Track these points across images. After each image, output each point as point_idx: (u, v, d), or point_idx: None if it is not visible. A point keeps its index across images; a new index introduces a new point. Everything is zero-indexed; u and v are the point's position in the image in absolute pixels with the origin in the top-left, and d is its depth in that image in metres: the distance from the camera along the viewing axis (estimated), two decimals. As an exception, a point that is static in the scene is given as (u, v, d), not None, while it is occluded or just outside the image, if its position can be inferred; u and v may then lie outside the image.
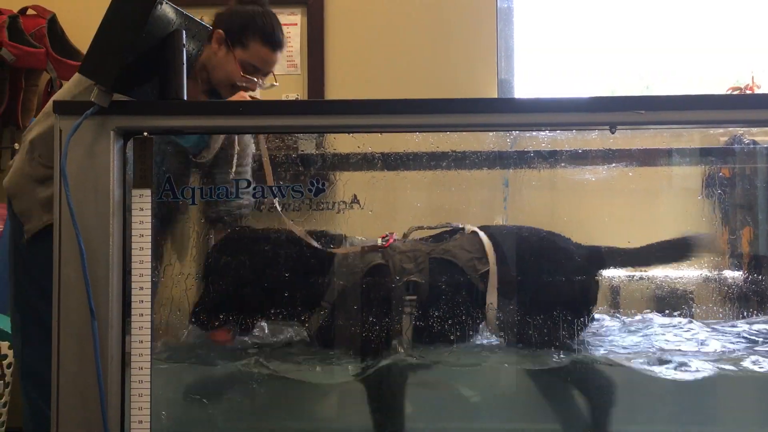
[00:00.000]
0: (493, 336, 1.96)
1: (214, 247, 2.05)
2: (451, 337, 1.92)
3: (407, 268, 1.94)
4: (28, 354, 2.12)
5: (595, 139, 2.09)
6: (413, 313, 1.89)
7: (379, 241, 1.98)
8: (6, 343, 2.93)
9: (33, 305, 2.04)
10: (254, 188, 1.67)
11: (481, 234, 1.98)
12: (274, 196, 1.66)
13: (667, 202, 2.26)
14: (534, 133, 1.96)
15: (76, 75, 2.15)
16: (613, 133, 1.53)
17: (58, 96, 2.14)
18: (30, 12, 3.41)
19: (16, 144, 3.35)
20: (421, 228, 2.04)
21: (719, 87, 3.43)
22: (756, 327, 2.09)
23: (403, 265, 1.94)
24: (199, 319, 1.95)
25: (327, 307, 1.93)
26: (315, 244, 1.94)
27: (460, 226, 2.02)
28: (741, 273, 2.19)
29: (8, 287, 2.17)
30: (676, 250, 2.08)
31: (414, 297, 1.90)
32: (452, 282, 1.93)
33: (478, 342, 1.97)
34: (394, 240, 2.00)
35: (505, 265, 1.93)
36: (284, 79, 3.59)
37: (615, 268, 2.05)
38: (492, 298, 1.90)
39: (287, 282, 1.94)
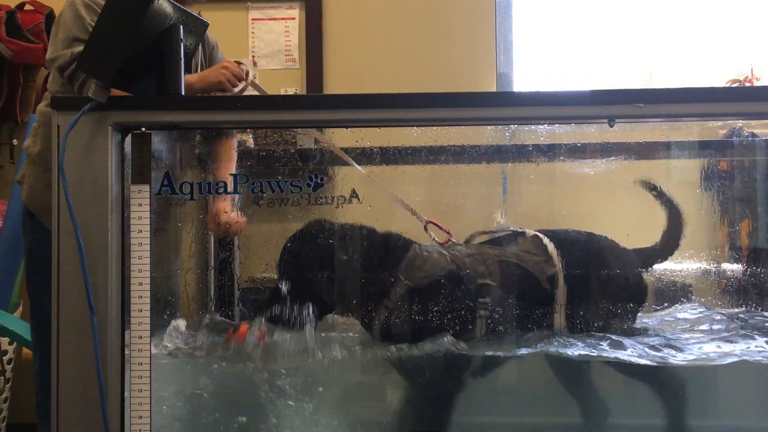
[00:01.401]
0: (563, 335, 2.00)
1: (290, 241, 2.04)
2: (523, 340, 1.96)
3: (479, 271, 1.98)
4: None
5: (593, 133, 2.09)
6: (486, 317, 1.94)
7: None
8: (6, 339, 2.94)
9: None
10: (253, 183, 1.67)
11: (543, 237, 2.03)
12: (273, 191, 1.65)
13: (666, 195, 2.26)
14: (533, 127, 1.95)
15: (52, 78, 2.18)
16: (611, 126, 1.52)
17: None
18: (27, 7, 3.41)
19: (14, 140, 3.36)
20: (483, 233, 2.10)
21: (719, 79, 3.43)
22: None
23: (475, 268, 1.98)
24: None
25: (390, 307, 1.94)
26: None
27: (520, 230, 2.07)
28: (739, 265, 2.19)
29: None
30: None
31: (487, 300, 1.95)
32: (523, 285, 1.98)
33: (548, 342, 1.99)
34: (453, 243, 2.06)
35: (568, 267, 1.99)
36: (282, 73, 3.59)
37: (653, 265, 2.13)
38: (561, 299, 1.96)
39: (356, 279, 1.99)
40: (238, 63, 2.30)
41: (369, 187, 2.00)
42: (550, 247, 2.00)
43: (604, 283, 2.02)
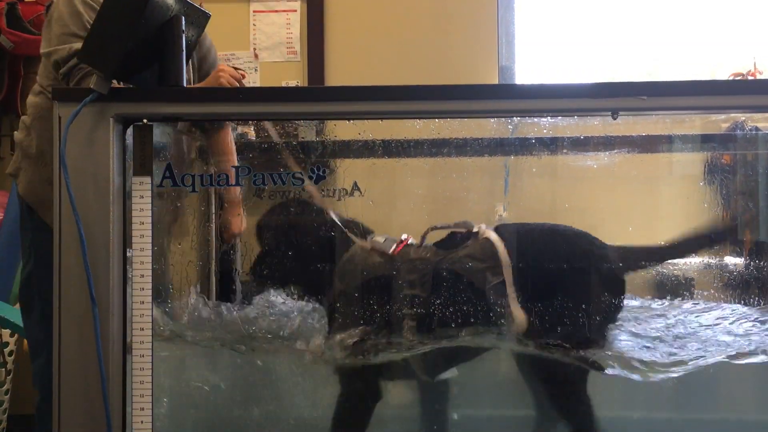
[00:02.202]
0: (512, 344, 1.89)
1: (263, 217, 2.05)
2: (456, 349, 1.90)
3: (410, 279, 1.86)
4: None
5: (596, 126, 2.08)
6: (412, 326, 1.84)
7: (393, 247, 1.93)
8: (7, 331, 2.94)
9: None
10: (255, 175, 1.66)
11: (495, 239, 1.86)
12: (275, 183, 1.65)
13: (669, 188, 2.26)
14: (536, 120, 1.95)
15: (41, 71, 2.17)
16: (615, 119, 1.52)
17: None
18: (28, -1, 3.40)
19: (15, 132, 3.34)
20: (435, 228, 1.94)
21: (722, 73, 3.41)
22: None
23: (408, 277, 1.86)
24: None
25: (327, 303, 1.93)
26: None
27: (475, 229, 1.91)
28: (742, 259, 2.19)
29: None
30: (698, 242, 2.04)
31: (414, 311, 1.84)
32: (461, 296, 1.85)
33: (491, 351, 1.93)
34: (409, 243, 1.94)
35: (522, 269, 1.83)
36: (284, 66, 3.58)
37: (649, 265, 1.99)
38: (512, 305, 1.81)
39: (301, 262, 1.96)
40: (236, 68, 2.28)
41: (371, 180, 2.00)
42: (501, 250, 1.83)
43: (570, 289, 1.85)
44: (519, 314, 1.81)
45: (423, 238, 1.97)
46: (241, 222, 2.14)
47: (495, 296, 1.82)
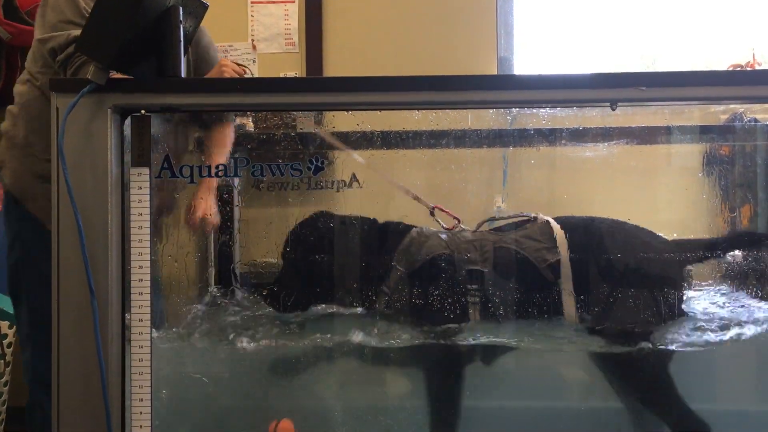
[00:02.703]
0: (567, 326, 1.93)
1: (296, 228, 2.06)
2: (513, 327, 1.93)
3: (471, 257, 1.92)
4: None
5: (594, 117, 2.08)
6: (477, 303, 1.90)
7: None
8: (6, 323, 2.94)
9: None
10: (253, 166, 1.66)
11: (553, 223, 1.95)
12: (273, 174, 1.65)
13: (667, 179, 2.26)
14: (535, 111, 1.94)
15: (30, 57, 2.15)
16: (614, 110, 1.51)
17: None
18: (25, -10, 3.38)
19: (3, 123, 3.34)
20: (494, 219, 2.03)
21: (720, 65, 3.41)
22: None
23: (468, 255, 1.92)
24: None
25: (387, 294, 1.93)
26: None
27: (533, 216, 2.00)
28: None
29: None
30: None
31: (476, 286, 1.90)
32: (519, 272, 1.91)
33: (549, 332, 1.94)
34: (461, 229, 2.00)
35: (580, 255, 1.89)
36: (282, 57, 3.57)
37: (697, 260, 2.02)
38: (566, 287, 1.87)
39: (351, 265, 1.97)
40: (238, 64, 2.26)
41: (370, 172, 1.99)
42: (559, 234, 1.92)
43: (627, 276, 1.91)
44: (570, 303, 1.87)
45: (479, 226, 2.04)
46: (209, 208, 2.09)
47: (551, 277, 1.88)
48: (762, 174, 2.25)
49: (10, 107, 2.23)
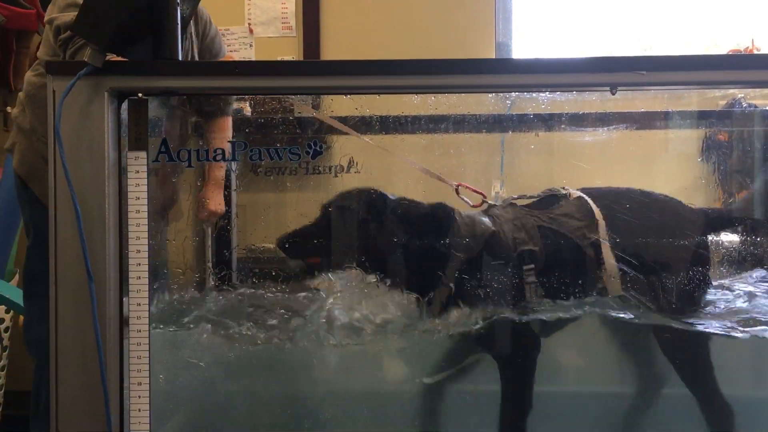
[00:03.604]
0: (611, 301, 1.93)
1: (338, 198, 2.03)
2: (563, 307, 1.91)
3: (519, 237, 1.91)
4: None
5: (592, 102, 2.08)
6: (533, 282, 1.88)
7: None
8: (2, 307, 2.94)
9: None
10: (251, 150, 1.65)
11: (588, 199, 1.92)
12: (271, 158, 1.64)
13: (665, 164, 2.25)
14: (534, 95, 1.94)
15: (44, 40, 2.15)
16: (613, 94, 1.51)
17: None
18: (20, -28, 3.35)
19: (8, 107, 3.32)
20: (523, 197, 2.00)
21: (718, 51, 3.40)
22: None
23: (515, 235, 1.91)
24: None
25: (449, 284, 1.91)
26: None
27: (564, 191, 1.98)
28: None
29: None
30: None
31: (532, 266, 1.88)
32: (562, 252, 1.90)
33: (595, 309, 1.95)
34: (488, 205, 1.98)
35: (616, 229, 1.89)
36: (279, 41, 3.55)
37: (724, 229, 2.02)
38: (608, 263, 1.86)
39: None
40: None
41: (367, 156, 1.99)
42: (596, 210, 1.90)
43: (662, 246, 1.91)
44: (613, 270, 1.86)
45: (506, 202, 2.01)
46: (220, 202, 2.13)
47: (593, 253, 1.87)
48: (760, 159, 2.25)
49: (19, 94, 2.28)
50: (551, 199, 1.99)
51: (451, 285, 1.90)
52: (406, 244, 1.95)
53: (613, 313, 1.90)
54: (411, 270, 1.95)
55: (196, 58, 2.29)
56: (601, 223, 1.88)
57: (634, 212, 1.94)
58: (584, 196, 1.94)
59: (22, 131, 2.19)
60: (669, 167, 2.25)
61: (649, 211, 1.95)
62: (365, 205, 1.97)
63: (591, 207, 1.90)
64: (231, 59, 2.24)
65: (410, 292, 1.95)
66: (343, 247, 1.97)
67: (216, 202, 2.15)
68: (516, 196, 2.00)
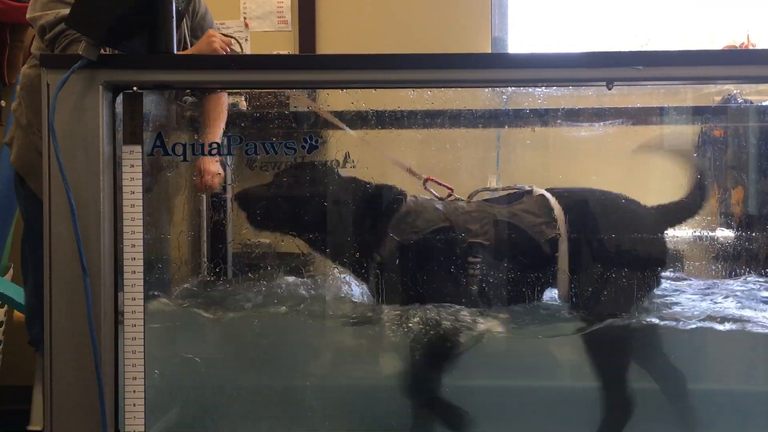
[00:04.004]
0: (563, 301, 1.94)
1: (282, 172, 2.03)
2: (513, 302, 1.92)
3: (472, 229, 1.90)
4: None
5: (587, 97, 2.08)
6: (476, 275, 1.88)
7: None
8: (-3, 302, 2.93)
9: None
10: (247, 144, 1.65)
11: (550, 197, 1.93)
12: (267, 152, 1.63)
13: (660, 160, 2.26)
14: (530, 90, 1.93)
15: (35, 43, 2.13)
16: (610, 89, 1.51)
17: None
18: (13, -35, 3.33)
19: (2, 101, 3.30)
20: (486, 189, 2.00)
21: (714, 46, 3.40)
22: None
23: (468, 227, 1.90)
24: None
25: (379, 261, 1.91)
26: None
27: (528, 188, 1.97)
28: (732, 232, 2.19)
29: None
30: None
31: (478, 259, 1.88)
32: (518, 247, 1.90)
33: (544, 307, 1.96)
34: (455, 198, 1.98)
35: (576, 229, 1.89)
36: (274, 36, 3.54)
37: (682, 221, 2.03)
38: (563, 263, 1.87)
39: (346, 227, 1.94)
40: (225, 35, 2.24)
41: (363, 151, 1.98)
42: (556, 208, 1.90)
43: (619, 250, 1.92)
44: (565, 280, 1.87)
45: (472, 195, 2.01)
46: (218, 170, 2.10)
47: (550, 251, 1.87)
48: (755, 154, 2.25)
49: (17, 87, 2.27)
50: (516, 195, 2.00)
51: (387, 265, 1.90)
52: (349, 221, 1.95)
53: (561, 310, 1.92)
54: (350, 248, 1.96)
55: (188, 38, 2.28)
56: (561, 220, 1.88)
57: (593, 212, 1.96)
58: (546, 194, 1.94)
59: (20, 126, 2.18)
60: (663, 162, 2.25)
61: (606, 210, 1.96)
62: (315, 178, 1.97)
63: (551, 204, 1.91)
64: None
65: (347, 269, 1.98)
66: (290, 217, 1.97)
67: (214, 170, 2.10)
68: (479, 189, 2.01)
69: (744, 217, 2.27)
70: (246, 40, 3.52)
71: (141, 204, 1.53)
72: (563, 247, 1.87)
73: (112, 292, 1.51)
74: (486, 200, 2.02)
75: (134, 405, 1.54)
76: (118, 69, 1.51)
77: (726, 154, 2.27)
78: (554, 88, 1.88)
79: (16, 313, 3.10)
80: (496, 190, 2.02)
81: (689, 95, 2.33)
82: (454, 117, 2.08)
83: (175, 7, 1.56)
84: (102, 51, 1.48)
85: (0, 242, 3.00)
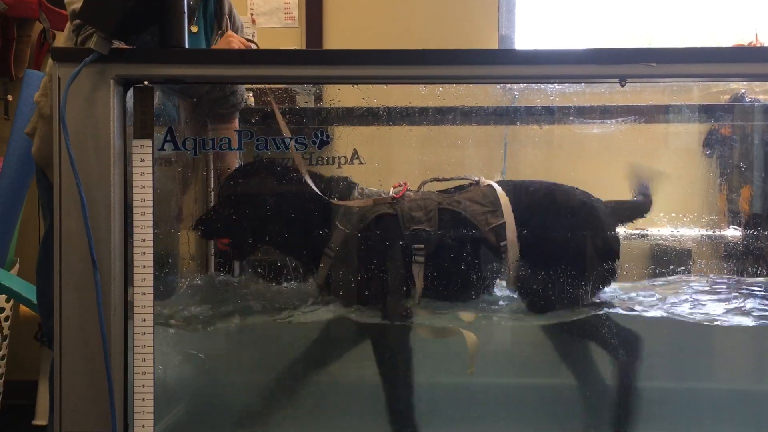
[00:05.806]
0: (509, 291, 1.96)
1: (233, 173, 2.04)
2: (457, 292, 1.93)
3: (416, 216, 1.92)
4: None
5: (595, 95, 2.07)
6: (421, 263, 1.89)
7: (392, 191, 1.96)
8: (2, 296, 2.93)
9: None
10: (257, 140, 1.64)
11: (497, 188, 1.95)
12: (278, 148, 1.63)
13: (668, 158, 2.25)
14: (542, 86, 1.93)
15: (67, 26, 2.12)
16: (622, 86, 1.50)
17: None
18: (21, -40, 3.32)
19: (9, 96, 3.31)
20: (436, 180, 2.01)
21: (718, 45, 3.39)
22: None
23: (412, 214, 1.92)
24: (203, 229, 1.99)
25: (330, 255, 1.91)
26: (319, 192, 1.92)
27: (476, 179, 1.99)
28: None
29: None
30: None
31: (422, 246, 1.89)
32: (460, 234, 1.92)
33: (489, 296, 1.97)
34: (407, 190, 1.98)
35: (523, 219, 1.90)
36: (281, 32, 3.53)
37: (632, 220, 2.04)
38: (510, 252, 1.88)
39: (291, 221, 1.93)
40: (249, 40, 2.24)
41: (372, 147, 1.98)
42: (502, 197, 1.92)
43: (567, 239, 1.93)
44: (513, 269, 1.89)
45: (421, 186, 2.01)
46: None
47: (495, 239, 1.89)
48: (762, 153, 2.24)
49: (44, 78, 2.24)
50: (464, 186, 2.01)
51: (332, 256, 1.90)
52: (299, 212, 1.95)
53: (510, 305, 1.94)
54: (300, 239, 1.95)
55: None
56: (507, 209, 1.90)
57: (543, 203, 1.98)
58: (494, 184, 1.97)
59: (42, 116, 2.17)
60: (671, 160, 2.25)
61: (557, 202, 1.98)
62: (262, 176, 1.97)
63: (497, 194, 1.93)
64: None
65: (296, 260, 1.98)
66: (250, 224, 1.96)
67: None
68: (429, 180, 2.01)
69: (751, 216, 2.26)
70: (253, 35, 3.51)
71: (151, 198, 1.53)
72: (510, 236, 1.88)
73: (122, 286, 1.51)
74: (438, 191, 2.03)
75: (143, 399, 1.54)
76: (130, 63, 1.51)
77: (733, 153, 2.26)
78: (566, 84, 1.87)
79: (22, 308, 3.10)
80: (445, 180, 2.03)
81: (696, 94, 2.32)
82: (463, 114, 2.07)
83: (186, 1, 1.56)
84: (113, 45, 1.48)
85: (6, 237, 3.00)
